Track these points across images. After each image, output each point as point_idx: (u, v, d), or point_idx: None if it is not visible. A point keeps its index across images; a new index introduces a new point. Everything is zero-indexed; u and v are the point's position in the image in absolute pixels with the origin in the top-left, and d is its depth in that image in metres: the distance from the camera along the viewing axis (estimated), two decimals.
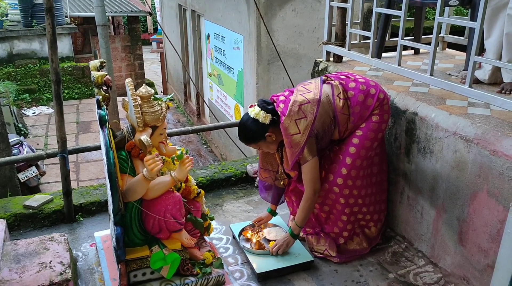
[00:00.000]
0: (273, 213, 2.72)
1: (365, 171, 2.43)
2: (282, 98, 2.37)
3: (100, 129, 2.00)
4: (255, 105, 2.37)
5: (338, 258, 2.51)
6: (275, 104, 2.36)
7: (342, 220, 2.51)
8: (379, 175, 2.55)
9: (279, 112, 2.32)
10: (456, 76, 2.85)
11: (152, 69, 16.30)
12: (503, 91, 2.46)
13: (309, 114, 2.27)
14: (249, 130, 2.36)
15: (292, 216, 2.80)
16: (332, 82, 2.39)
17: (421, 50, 3.61)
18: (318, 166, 2.35)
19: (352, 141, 2.38)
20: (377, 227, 2.64)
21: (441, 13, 2.50)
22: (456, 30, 3.88)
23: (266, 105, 2.34)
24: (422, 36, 3.50)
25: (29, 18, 10.32)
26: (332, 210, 2.52)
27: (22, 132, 8.51)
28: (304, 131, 2.26)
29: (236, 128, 2.48)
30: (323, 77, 2.44)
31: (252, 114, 2.34)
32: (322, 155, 2.47)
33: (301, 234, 2.67)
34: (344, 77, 2.45)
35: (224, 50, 7.09)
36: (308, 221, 2.62)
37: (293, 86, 2.62)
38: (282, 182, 2.61)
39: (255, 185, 3.40)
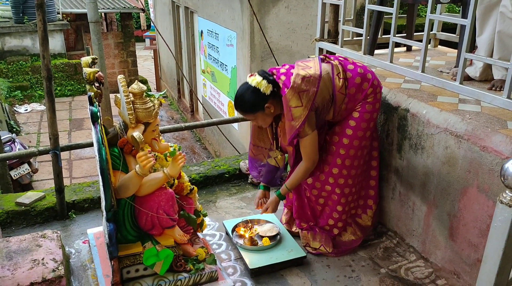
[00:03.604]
0: (267, 188, 2.67)
1: (359, 160, 2.46)
2: (283, 70, 2.31)
3: (92, 125, 1.99)
4: (254, 74, 2.29)
5: (335, 254, 2.54)
6: (275, 76, 2.31)
7: (338, 211, 2.54)
8: (369, 162, 2.58)
9: (280, 84, 2.26)
10: (448, 73, 2.87)
11: (145, 66, 16.22)
12: (493, 88, 2.49)
13: (311, 88, 2.23)
14: (249, 100, 2.27)
15: (286, 210, 2.81)
16: (332, 61, 2.37)
17: (413, 47, 3.63)
18: (317, 139, 2.34)
19: (345, 131, 2.40)
20: (368, 215, 2.66)
21: (433, 11, 2.52)
22: (448, 27, 3.91)
23: (267, 75, 2.27)
24: (414, 33, 3.52)
25: (21, 14, 10.23)
26: (327, 201, 2.55)
27: (14, 129, 8.44)
28: (306, 104, 2.22)
29: (230, 125, 2.48)
30: (321, 57, 2.42)
31: (253, 83, 2.25)
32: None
33: (296, 229, 2.69)
34: (343, 59, 2.44)
35: (217, 47, 7.08)
36: (304, 214, 2.64)
37: None
38: (276, 157, 2.58)
39: (248, 181, 3.41)
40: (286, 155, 2.64)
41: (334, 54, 3.40)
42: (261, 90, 2.23)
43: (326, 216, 2.59)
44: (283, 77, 2.27)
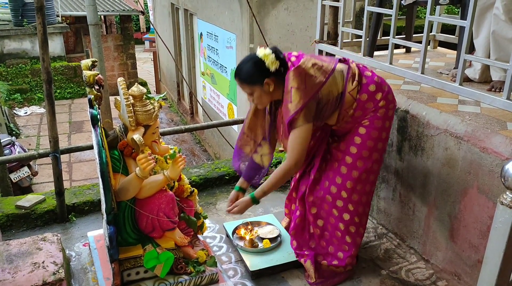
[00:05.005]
0: (242, 190, 2.45)
1: (364, 186, 2.28)
2: (295, 53, 2.18)
3: (92, 128, 1.99)
4: (265, 47, 2.16)
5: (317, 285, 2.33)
6: (286, 57, 2.18)
7: (348, 243, 2.33)
8: (370, 194, 2.39)
9: (289, 64, 2.13)
10: (447, 74, 2.87)
11: (145, 68, 16.23)
12: (493, 89, 2.49)
13: (319, 77, 2.10)
14: (250, 68, 2.13)
15: (286, 218, 2.78)
16: (350, 63, 2.26)
17: (412, 49, 3.64)
18: (309, 137, 2.15)
19: (349, 150, 2.25)
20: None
21: (432, 12, 2.53)
22: (447, 29, 3.92)
23: (278, 52, 2.13)
24: (414, 35, 3.53)
25: (20, 17, 10.24)
26: (327, 220, 2.35)
27: (14, 132, 8.44)
28: (309, 91, 2.07)
29: (230, 127, 2.45)
30: (340, 58, 2.31)
31: (260, 54, 2.10)
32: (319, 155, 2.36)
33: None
34: (362, 65, 2.33)
35: (217, 49, 7.09)
36: (302, 237, 2.43)
37: None
38: (263, 154, 2.42)
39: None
40: (273, 155, 2.47)
41: (334, 56, 3.41)
42: (266, 63, 2.09)
43: (335, 249, 2.34)
44: (293, 59, 2.15)
